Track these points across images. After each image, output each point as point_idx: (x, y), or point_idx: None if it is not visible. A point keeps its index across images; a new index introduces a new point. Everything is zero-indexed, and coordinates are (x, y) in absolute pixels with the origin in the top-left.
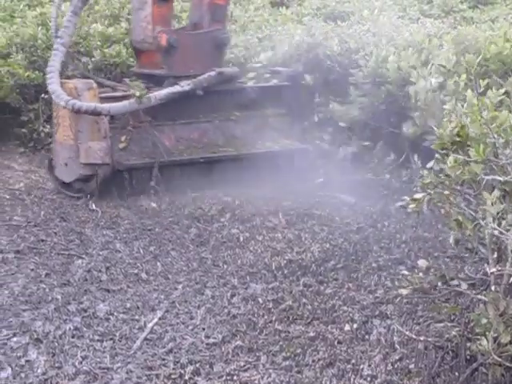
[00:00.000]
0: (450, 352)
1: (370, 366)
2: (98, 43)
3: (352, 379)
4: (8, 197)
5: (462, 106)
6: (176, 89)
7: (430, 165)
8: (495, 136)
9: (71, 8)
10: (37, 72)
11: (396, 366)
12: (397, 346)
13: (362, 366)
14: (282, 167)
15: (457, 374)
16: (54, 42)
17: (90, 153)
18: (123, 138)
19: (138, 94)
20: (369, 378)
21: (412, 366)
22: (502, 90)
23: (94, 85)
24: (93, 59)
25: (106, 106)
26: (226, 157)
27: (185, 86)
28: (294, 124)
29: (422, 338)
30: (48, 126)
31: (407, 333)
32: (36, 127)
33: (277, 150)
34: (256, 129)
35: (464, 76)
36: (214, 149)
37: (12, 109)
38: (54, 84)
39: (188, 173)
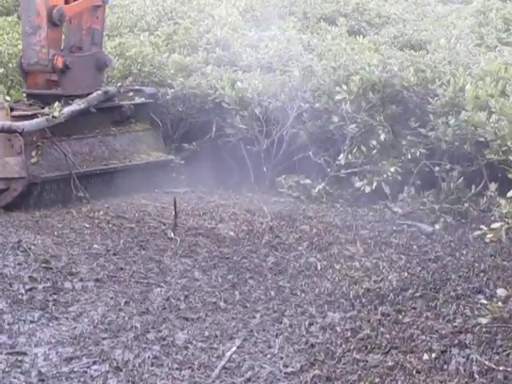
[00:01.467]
0: None
1: None
2: (172, 72)
3: None
4: (88, 225)
5: None
6: (74, 107)
7: (509, 194)
8: None
9: None
10: None
11: None
12: (476, 375)
13: None
14: None
15: None
16: None
17: (6, 167)
18: (34, 153)
19: (55, 114)
20: None
21: None
22: None
23: (6, 104)
24: (172, 90)
25: (20, 123)
26: (114, 168)
27: (81, 104)
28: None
29: (501, 368)
30: None
31: (486, 362)
32: None
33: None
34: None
35: None
36: (104, 161)
37: None
38: None
39: (85, 185)
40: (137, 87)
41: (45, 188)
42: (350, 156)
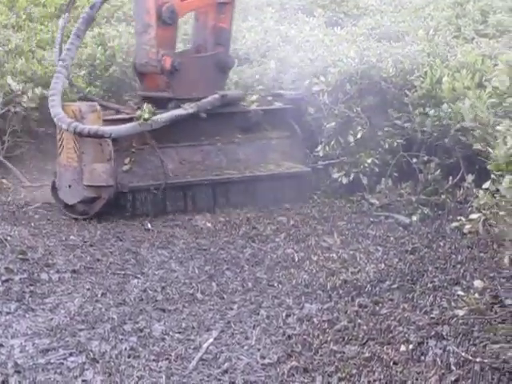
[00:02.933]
0: (507, 373)
1: None
2: None
3: None
4: (64, 217)
5: None
6: (179, 112)
7: (486, 185)
8: None
9: (74, 30)
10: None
11: None
12: (453, 367)
13: None
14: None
15: None
16: (57, 65)
17: (94, 175)
18: (127, 160)
19: (146, 116)
20: None
21: None
22: None
23: (98, 107)
24: None
25: (108, 128)
26: (229, 179)
27: (188, 108)
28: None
29: (478, 360)
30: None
31: (463, 354)
32: None
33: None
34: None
35: None
36: (219, 171)
37: None
38: (55, 107)
39: (190, 196)
40: (278, 92)
41: (136, 198)
42: (327, 148)
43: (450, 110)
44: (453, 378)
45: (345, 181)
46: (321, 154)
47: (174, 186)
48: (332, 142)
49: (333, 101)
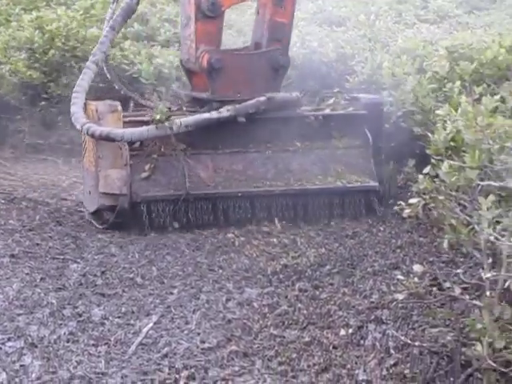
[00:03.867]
0: (445, 357)
1: (365, 371)
2: (91, 47)
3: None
4: (3, 201)
5: (456, 111)
6: (208, 115)
7: (426, 170)
8: (490, 142)
9: (110, 23)
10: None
11: (391, 371)
12: (392, 350)
13: (357, 371)
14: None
15: (452, 379)
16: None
17: (108, 181)
18: (147, 167)
19: (157, 117)
20: (364, 383)
21: (407, 371)
22: (497, 96)
23: (119, 107)
24: None
25: (121, 131)
26: (271, 192)
27: (224, 112)
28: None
29: (417, 343)
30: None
31: (402, 338)
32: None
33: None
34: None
35: (458, 83)
36: (261, 182)
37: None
38: (75, 105)
39: (222, 208)
40: (354, 95)
41: (151, 209)
42: None
43: (390, 98)
44: (392, 362)
45: None
46: None
47: (199, 197)
48: None
49: None
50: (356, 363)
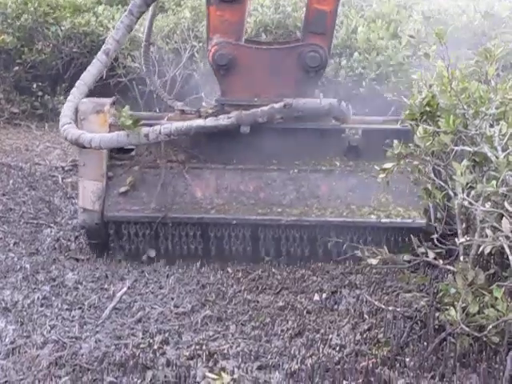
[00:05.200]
0: (419, 322)
1: (338, 335)
2: (68, 15)
3: (321, 349)
4: None
5: (431, 76)
6: (200, 123)
7: None
8: (465, 107)
9: (129, 6)
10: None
11: (365, 335)
12: (365, 315)
13: (330, 336)
14: None
15: (425, 343)
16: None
17: (84, 194)
18: (129, 180)
19: (122, 120)
20: (337, 348)
21: (381, 336)
22: (472, 61)
23: (106, 107)
24: (62, 28)
25: (90, 136)
26: (277, 221)
27: (222, 119)
28: None
29: (390, 308)
30: None
31: (376, 303)
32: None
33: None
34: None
35: (434, 47)
36: (269, 208)
37: None
38: (68, 102)
39: (214, 237)
40: None
41: (123, 232)
42: None
43: (362, 59)
44: (366, 327)
45: None
46: None
47: (181, 221)
48: None
49: None
50: (329, 328)
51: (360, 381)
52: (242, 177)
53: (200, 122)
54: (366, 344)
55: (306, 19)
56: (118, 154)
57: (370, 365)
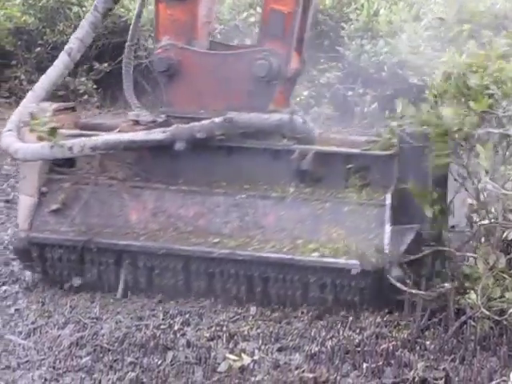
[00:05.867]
0: (439, 305)
1: (358, 318)
2: None
3: (341, 331)
4: None
5: (461, 56)
6: (130, 137)
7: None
8: (495, 88)
9: (95, 1)
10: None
11: (385, 318)
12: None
13: (351, 318)
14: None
15: (445, 326)
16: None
17: (19, 211)
18: (61, 197)
19: (40, 130)
20: (358, 330)
21: (401, 319)
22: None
23: (48, 114)
24: (84, 9)
25: (17, 146)
26: (209, 254)
27: (156, 134)
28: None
29: (412, 291)
30: None
31: (398, 285)
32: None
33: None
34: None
35: (467, 26)
36: (205, 238)
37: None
38: (20, 107)
39: (130, 266)
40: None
41: (46, 255)
42: None
43: (385, 48)
44: (386, 310)
45: None
46: None
47: (104, 248)
48: None
49: None
50: (350, 310)
51: (380, 363)
52: (184, 200)
53: (130, 135)
54: (386, 327)
55: (262, 21)
56: (60, 166)
57: (390, 347)
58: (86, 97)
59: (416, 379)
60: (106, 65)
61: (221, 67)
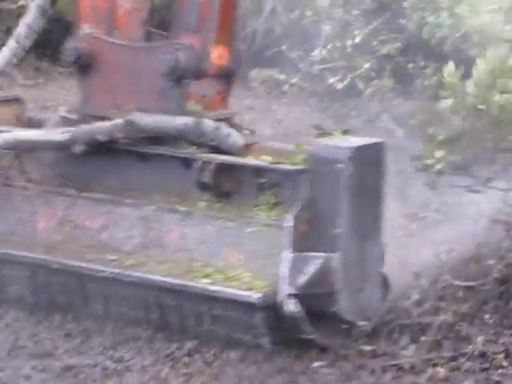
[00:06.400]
0: (499, 279)
1: (417, 291)
2: None
3: (399, 303)
4: None
5: None
6: (22, 136)
7: None
8: None
9: None
10: None
11: (444, 291)
12: (445, 271)
13: (410, 292)
14: None
15: (505, 301)
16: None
17: None
18: None
19: None
20: (416, 304)
21: (460, 292)
22: None
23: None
24: None
25: None
26: (100, 273)
27: (56, 135)
28: None
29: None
30: None
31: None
32: None
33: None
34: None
35: None
36: (102, 254)
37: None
38: None
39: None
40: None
41: None
42: (324, 52)
43: (449, 21)
44: (445, 283)
45: (340, 86)
46: (317, 57)
47: (6, 260)
48: (329, 46)
49: (331, 3)
50: (409, 284)
51: (439, 336)
52: (93, 209)
53: (29, 135)
54: (444, 300)
55: (177, 10)
56: None
57: (449, 321)
58: None
59: (475, 353)
60: None
61: (132, 62)
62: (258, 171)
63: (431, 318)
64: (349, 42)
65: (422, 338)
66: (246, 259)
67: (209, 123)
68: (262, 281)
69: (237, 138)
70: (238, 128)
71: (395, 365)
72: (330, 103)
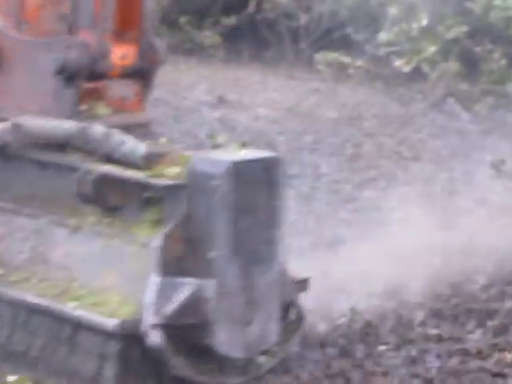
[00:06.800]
0: None
1: (484, 275)
2: None
3: (465, 288)
4: None
5: None
6: None
7: None
8: None
9: None
10: None
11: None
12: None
13: (477, 278)
14: None
15: None
16: None
17: None
18: None
19: None
20: (483, 288)
21: None
22: None
23: None
24: None
25: None
26: None
27: None
28: None
29: None
30: None
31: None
32: None
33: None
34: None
35: None
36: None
37: None
38: None
39: None
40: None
41: None
42: (390, 34)
43: None
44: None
45: (406, 69)
46: (383, 40)
47: None
48: (395, 29)
49: None
50: (475, 269)
51: (506, 321)
52: None
53: None
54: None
55: (75, 3)
56: None
57: None
58: (211, 50)
59: None
60: (231, 18)
61: (30, 59)
62: (141, 185)
63: (498, 303)
64: (415, 25)
65: (489, 323)
66: (121, 282)
67: (98, 129)
68: (130, 306)
69: (135, 147)
70: (151, 135)
71: (461, 349)
72: (395, 86)
